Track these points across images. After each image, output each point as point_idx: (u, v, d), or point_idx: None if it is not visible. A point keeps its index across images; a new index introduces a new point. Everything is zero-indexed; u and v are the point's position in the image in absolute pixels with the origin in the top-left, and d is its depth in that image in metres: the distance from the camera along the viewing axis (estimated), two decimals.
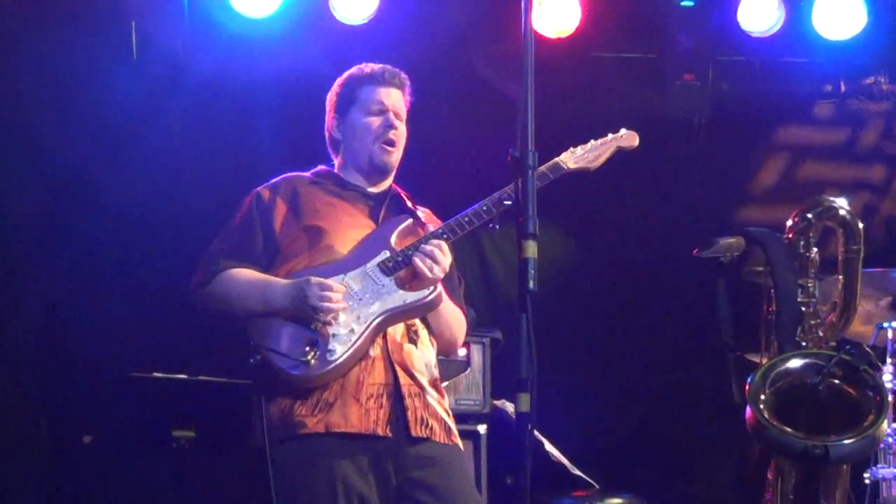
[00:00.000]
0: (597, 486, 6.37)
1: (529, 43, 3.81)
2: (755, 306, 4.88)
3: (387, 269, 4.51)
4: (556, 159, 4.77)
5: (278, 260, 4.60)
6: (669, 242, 6.69)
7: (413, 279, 4.50)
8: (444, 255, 4.50)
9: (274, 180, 4.80)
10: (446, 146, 7.40)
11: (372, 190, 4.76)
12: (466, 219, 4.58)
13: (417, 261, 4.46)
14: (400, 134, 4.75)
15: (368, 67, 4.82)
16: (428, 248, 4.49)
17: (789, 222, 4.73)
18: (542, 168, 4.66)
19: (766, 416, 4.40)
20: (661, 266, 7.57)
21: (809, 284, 4.66)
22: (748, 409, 4.45)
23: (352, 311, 4.43)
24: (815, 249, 4.68)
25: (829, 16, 7.50)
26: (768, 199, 7.13)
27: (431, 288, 4.50)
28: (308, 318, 4.41)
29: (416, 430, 4.43)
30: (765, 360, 4.65)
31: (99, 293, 7.41)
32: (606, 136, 4.93)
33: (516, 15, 3.87)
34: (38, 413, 7.23)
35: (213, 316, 4.75)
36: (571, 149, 4.84)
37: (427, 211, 4.83)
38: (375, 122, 4.72)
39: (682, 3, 7.51)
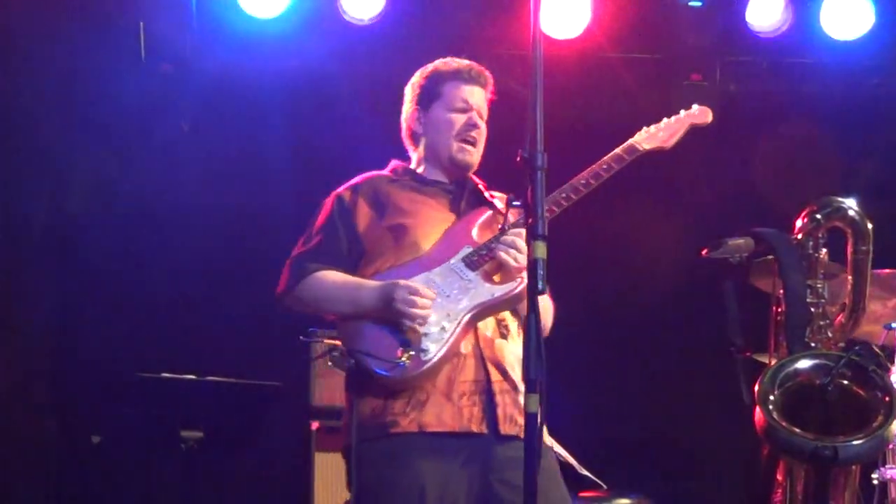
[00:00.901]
0: (605, 487, 6.36)
1: (538, 43, 3.81)
2: (764, 307, 4.88)
3: (471, 263, 4.48)
4: (631, 140, 4.77)
5: (364, 260, 4.57)
6: (677, 243, 6.69)
7: (498, 271, 4.48)
8: (521, 241, 4.44)
9: (354, 181, 4.74)
10: None
11: (450, 183, 4.73)
12: (546, 207, 4.58)
13: (501, 253, 4.43)
14: (481, 133, 4.71)
15: (455, 63, 4.76)
16: (509, 238, 4.45)
17: (798, 223, 4.72)
18: (618, 150, 4.70)
19: (775, 416, 4.39)
20: (668, 266, 7.57)
21: (818, 285, 4.65)
22: (757, 410, 4.45)
23: (441, 308, 4.40)
24: (824, 250, 4.68)
25: (836, 16, 7.51)
26: (776, 199, 7.11)
27: (518, 279, 4.45)
28: (399, 318, 4.38)
29: (505, 428, 4.40)
30: (773, 361, 4.64)
31: (107, 294, 7.43)
32: (679, 113, 4.92)
33: (524, 14, 3.86)
34: (47, 413, 7.25)
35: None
36: (645, 128, 4.84)
37: (502, 195, 4.77)
38: (459, 119, 4.67)
39: (690, 4, 7.50)
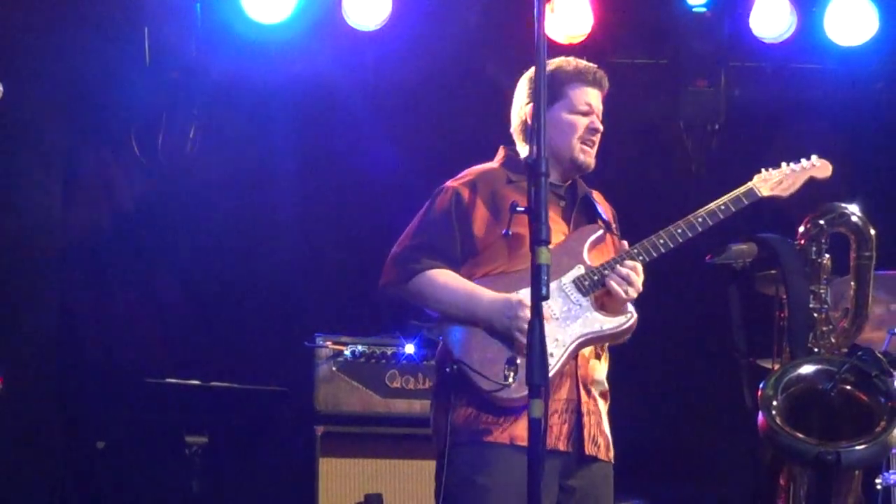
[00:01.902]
0: None
1: (542, 49, 3.81)
2: (767, 312, 4.88)
3: (583, 287, 4.49)
4: (751, 185, 4.78)
5: (475, 261, 4.54)
6: (681, 248, 6.65)
7: (607, 300, 4.50)
8: (638, 277, 4.50)
9: (469, 177, 4.68)
10: (458, 149, 7.40)
11: (563, 184, 4.70)
12: (661, 240, 4.60)
13: (614, 284, 4.46)
14: (599, 136, 4.72)
15: (578, 64, 4.71)
16: (624, 271, 4.47)
17: (801, 228, 4.73)
18: (739, 193, 4.73)
19: (778, 421, 4.39)
20: (673, 271, 7.56)
21: (821, 290, 4.65)
22: (760, 415, 4.45)
23: (550, 333, 4.28)
24: (827, 255, 4.68)
25: (841, 22, 7.51)
26: (780, 204, 7.11)
27: (629, 315, 4.50)
28: (509, 334, 4.38)
29: (589, 449, 4.47)
30: (777, 367, 4.64)
31: (112, 299, 7.44)
32: (799, 161, 4.90)
33: (529, 20, 3.87)
34: (53, 418, 7.25)
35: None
36: (764, 171, 4.85)
37: (598, 194, 4.81)
38: (582, 122, 4.64)
39: (695, 9, 7.51)
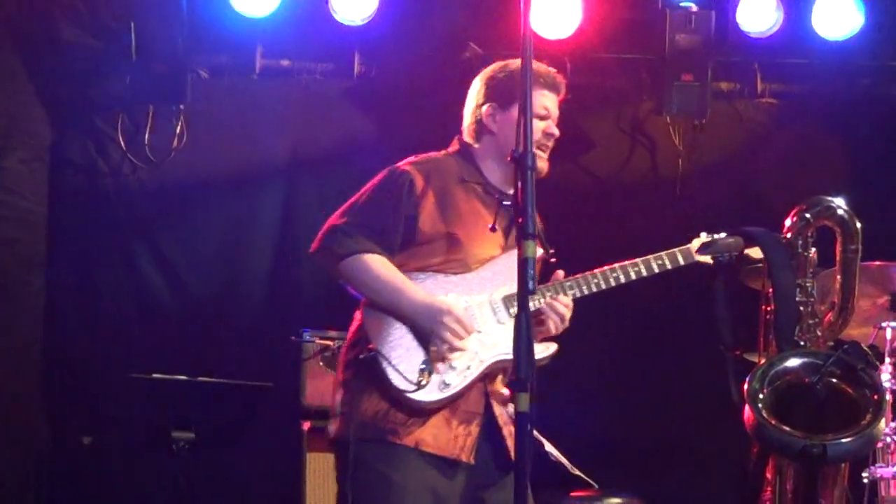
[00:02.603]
0: (596, 486, 6.37)
1: (528, 44, 3.81)
2: (754, 305, 4.88)
3: (512, 307, 4.48)
4: (689, 246, 4.84)
5: (411, 252, 4.53)
6: (667, 242, 6.65)
7: (534, 326, 4.46)
8: (569, 313, 4.55)
9: (425, 164, 4.64)
10: (444, 145, 7.40)
11: (509, 192, 4.57)
12: (595, 280, 4.61)
13: (548, 319, 4.51)
14: (554, 141, 4.71)
15: (538, 67, 4.68)
16: (560, 308, 4.52)
17: (787, 222, 4.72)
18: (676, 251, 4.80)
19: (764, 415, 4.39)
20: None
21: (807, 284, 4.65)
22: (747, 409, 4.45)
23: (472, 347, 4.44)
24: (814, 249, 4.68)
25: (827, 17, 7.52)
26: (768, 197, 7.12)
27: (553, 347, 4.53)
28: (430, 337, 4.39)
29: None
30: (763, 360, 4.64)
31: (98, 295, 7.42)
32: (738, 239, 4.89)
33: (515, 15, 3.86)
34: (38, 414, 7.24)
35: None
36: (704, 236, 4.87)
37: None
38: (539, 125, 4.61)
39: (682, 4, 7.51)
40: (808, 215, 4.71)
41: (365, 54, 7.64)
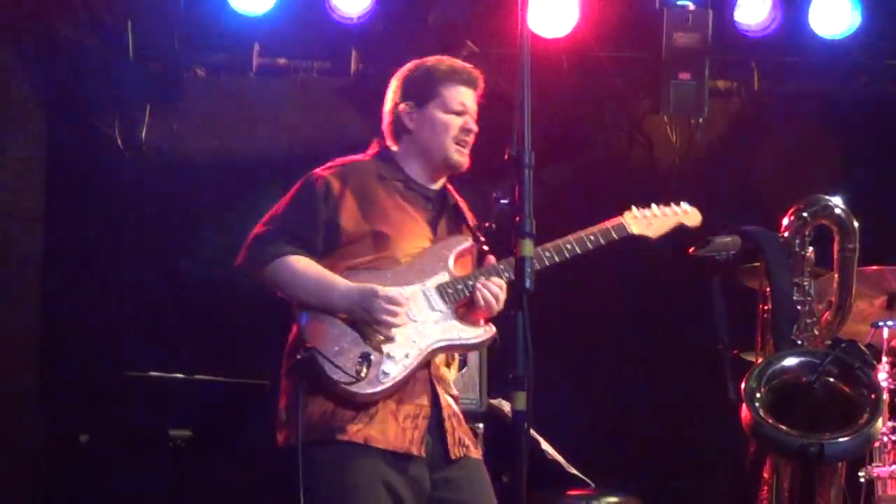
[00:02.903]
0: (592, 485, 6.37)
1: (526, 41, 3.80)
2: (751, 305, 4.88)
3: (445, 294, 4.48)
4: (620, 219, 4.75)
5: (338, 254, 4.52)
6: (666, 241, 6.66)
7: (469, 311, 4.50)
8: (503, 294, 4.48)
9: (341, 168, 4.64)
10: None
11: (432, 187, 4.67)
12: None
13: (479, 298, 4.45)
14: (473, 137, 4.68)
15: (454, 63, 4.69)
16: (494, 288, 4.46)
17: (785, 221, 4.73)
18: (609, 225, 4.70)
19: (761, 414, 4.40)
20: (657, 265, 7.57)
21: (805, 283, 4.66)
22: (744, 408, 4.46)
23: (409, 334, 4.42)
24: (811, 248, 4.68)
25: (824, 15, 7.52)
26: (765, 196, 7.13)
27: (487, 328, 4.50)
28: (365, 328, 4.39)
29: (456, 452, 4.46)
30: (760, 359, 4.65)
31: (95, 293, 7.42)
32: (669, 204, 4.87)
33: (513, 13, 3.85)
34: (35, 412, 7.23)
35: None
36: (636, 209, 4.80)
37: (465, 206, 4.77)
38: (456, 122, 4.61)
39: (679, 2, 7.51)
40: (805, 214, 4.73)
41: (362, 52, 7.64)
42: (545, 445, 6.33)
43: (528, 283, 3.63)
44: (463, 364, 6.33)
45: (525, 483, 3.63)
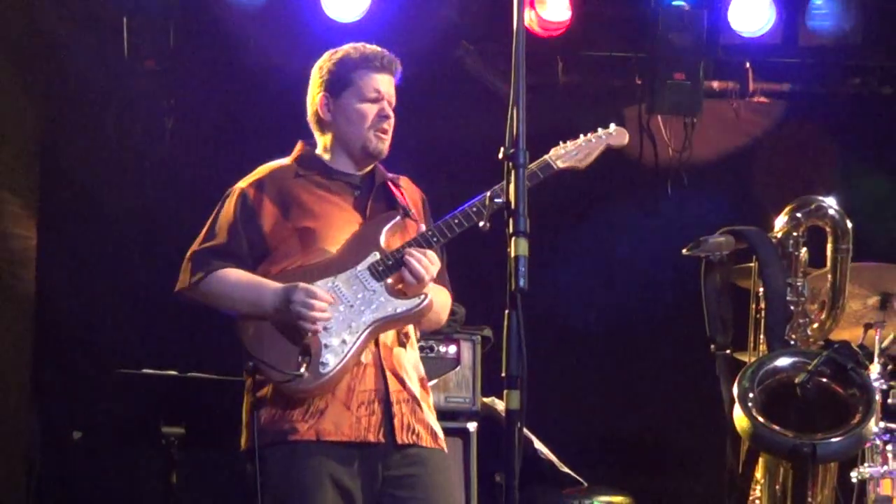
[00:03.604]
0: (585, 484, 6.38)
1: (521, 40, 3.79)
2: (744, 305, 4.89)
3: (377, 273, 4.45)
4: (546, 157, 4.64)
5: (269, 259, 4.52)
6: (658, 240, 6.71)
7: (405, 284, 4.45)
8: (431, 263, 4.44)
9: (258, 176, 4.65)
10: (436, 143, 7.41)
11: (357, 173, 4.64)
12: (456, 220, 4.49)
13: (405, 269, 4.41)
14: (392, 122, 4.65)
15: (364, 49, 4.63)
16: (417, 254, 4.42)
17: (778, 221, 4.73)
18: (532, 166, 4.55)
19: (754, 413, 4.40)
20: (649, 265, 7.59)
21: (798, 283, 4.66)
22: (737, 407, 4.46)
23: (343, 320, 4.40)
24: (804, 248, 4.69)
25: (820, 17, 7.53)
26: (758, 197, 7.14)
27: (422, 296, 4.44)
28: (300, 323, 4.36)
29: (403, 437, 4.41)
30: (753, 359, 4.65)
31: (88, 290, 7.41)
32: (596, 131, 4.81)
33: (507, 13, 3.85)
34: (28, 409, 7.23)
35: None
36: (561, 144, 4.71)
37: (406, 180, 4.75)
38: (371, 109, 4.59)
39: (674, 3, 7.52)
40: (798, 215, 4.73)
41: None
42: (538, 445, 6.34)
43: (522, 282, 3.61)
44: (456, 363, 6.34)
45: (518, 482, 3.63)
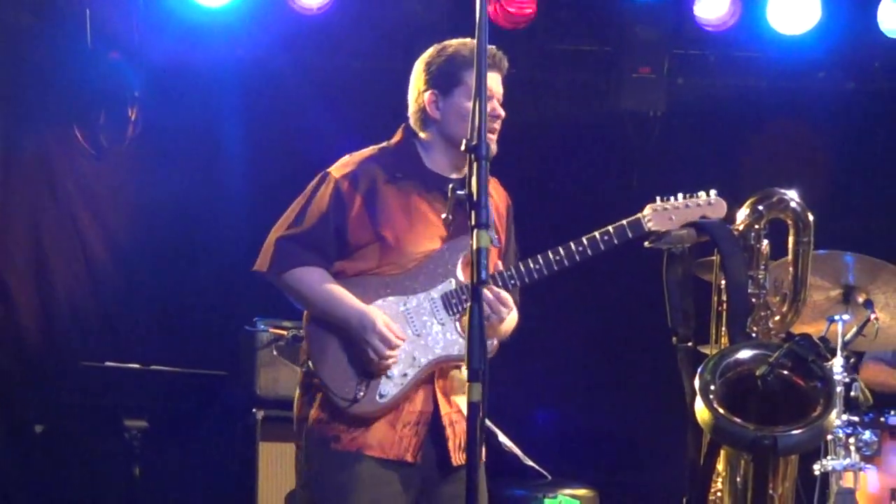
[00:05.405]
0: (549, 477, 6.39)
1: (484, 33, 3.78)
2: (706, 297, 4.90)
3: (449, 305, 4.44)
4: (639, 216, 4.67)
5: (348, 258, 4.48)
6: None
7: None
8: (504, 307, 4.42)
9: (351, 167, 4.55)
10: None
11: (453, 176, 4.53)
12: (537, 266, 4.50)
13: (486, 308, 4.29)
14: (501, 122, 4.58)
15: (475, 46, 4.57)
16: (491, 296, 4.34)
17: (740, 214, 4.74)
18: (625, 223, 4.62)
19: (715, 406, 4.40)
20: (612, 257, 7.59)
21: (760, 276, 4.67)
22: (698, 400, 4.46)
23: (409, 352, 4.40)
24: (766, 241, 4.70)
25: (783, 11, 7.55)
26: (722, 190, 7.15)
27: (493, 341, 4.43)
28: (364, 351, 4.37)
29: (457, 459, 4.44)
30: (715, 351, 4.65)
31: (50, 282, 7.38)
32: (697, 195, 4.80)
33: (471, 5, 3.84)
34: None
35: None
36: (659, 201, 4.73)
37: (495, 183, 4.66)
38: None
39: None
40: (760, 207, 4.73)
41: (323, 44, 7.62)
42: (502, 437, 6.34)
43: (483, 275, 3.60)
44: None
45: (479, 474, 3.63)
